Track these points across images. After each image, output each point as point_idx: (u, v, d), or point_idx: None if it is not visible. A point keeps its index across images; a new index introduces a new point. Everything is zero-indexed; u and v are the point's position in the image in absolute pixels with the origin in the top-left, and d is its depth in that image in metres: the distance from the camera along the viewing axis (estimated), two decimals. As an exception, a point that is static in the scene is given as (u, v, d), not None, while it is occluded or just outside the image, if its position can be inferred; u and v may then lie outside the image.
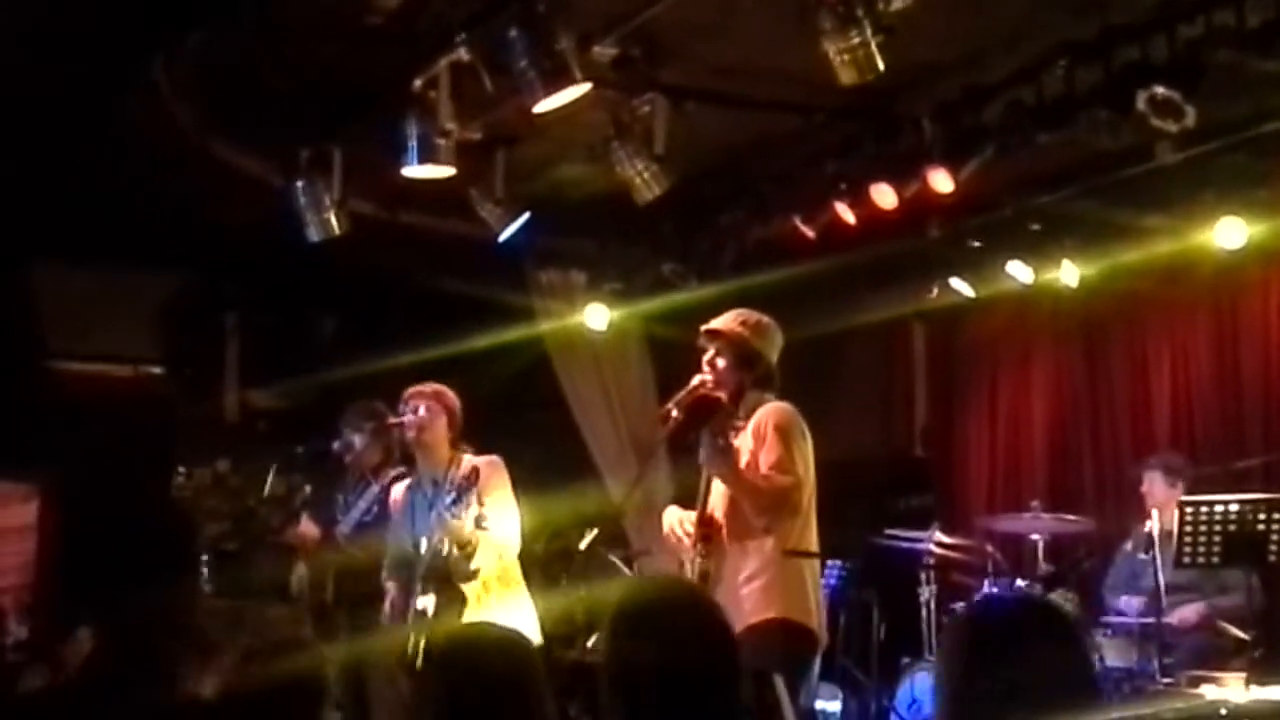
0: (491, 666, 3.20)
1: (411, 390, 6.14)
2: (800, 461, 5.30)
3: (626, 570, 6.49)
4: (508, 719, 3.10)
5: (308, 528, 6.51)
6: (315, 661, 3.23)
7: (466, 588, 5.79)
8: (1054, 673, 2.48)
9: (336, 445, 6.55)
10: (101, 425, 8.66)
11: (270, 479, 6.65)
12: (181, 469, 7.29)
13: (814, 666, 5.38)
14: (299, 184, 7.22)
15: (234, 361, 9.76)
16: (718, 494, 5.40)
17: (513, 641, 3.37)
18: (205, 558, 6.94)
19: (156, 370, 9.43)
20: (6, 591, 8.78)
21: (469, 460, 5.97)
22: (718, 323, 5.52)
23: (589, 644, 6.07)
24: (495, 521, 5.74)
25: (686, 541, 5.40)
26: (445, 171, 6.55)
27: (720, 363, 5.48)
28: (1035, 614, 2.68)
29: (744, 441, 5.34)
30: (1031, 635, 2.54)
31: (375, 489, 6.53)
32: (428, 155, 6.43)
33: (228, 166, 7.50)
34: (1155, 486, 7.32)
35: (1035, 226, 7.91)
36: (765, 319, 5.55)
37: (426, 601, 5.79)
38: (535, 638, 5.76)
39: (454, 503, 5.66)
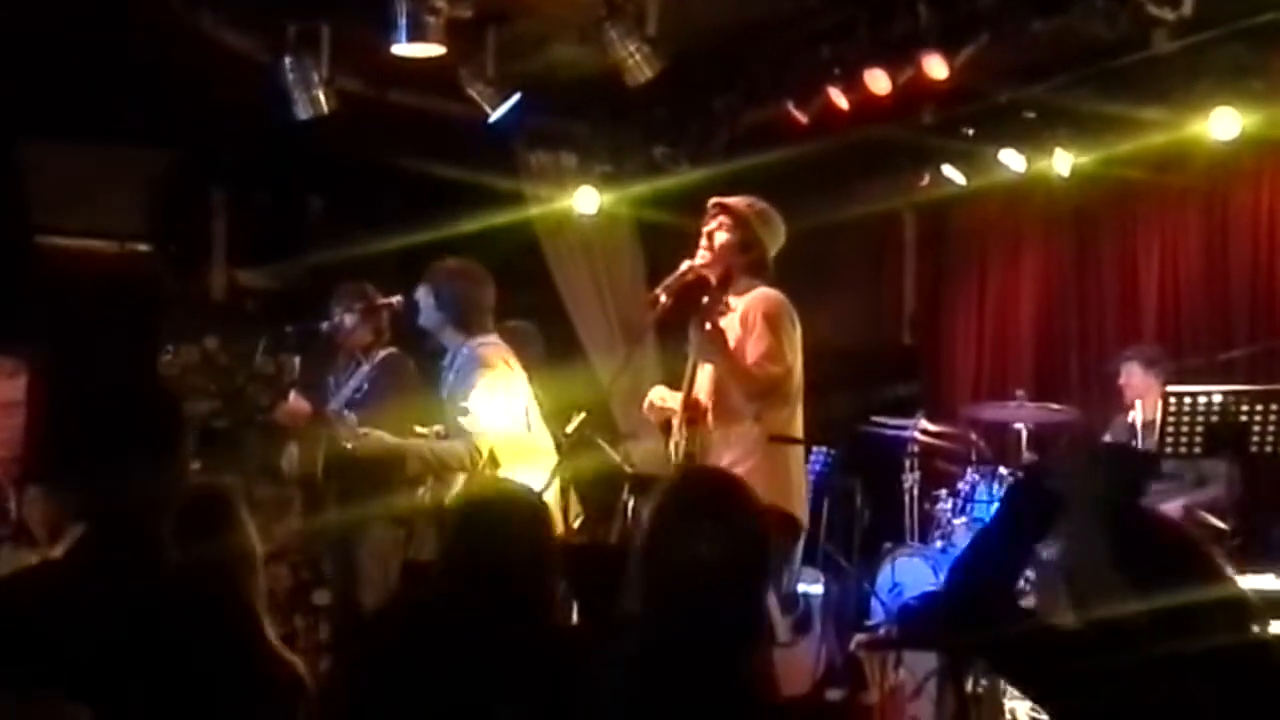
0: (504, 519, 3.26)
1: None
2: (790, 350, 5.32)
3: (613, 454, 6.52)
4: (520, 568, 3.16)
5: (298, 404, 6.51)
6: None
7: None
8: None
9: (326, 325, 6.55)
10: (88, 301, 8.64)
11: (258, 357, 6.65)
12: (169, 346, 7.28)
13: (797, 551, 5.44)
14: (286, 61, 7.14)
15: (221, 240, 9.71)
16: (704, 378, 5.43)
17: (525, 497, 3.43)
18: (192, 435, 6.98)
19: (143, 247, 9.39)
20: (-5, 465, 8.83)
21: (467, 348, 5.95)
22: (730, 200, 5.51)
23: (575, 525, 6.11)
24: (475, 412, 5.75)
25: (672, 404, 5.42)
26: (435, 50, 6.48)
27: (720, 237, 5.46)
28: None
29: (730, 325, 5.35)
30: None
31: (365, 368, 6.54)
32: (417, 33, 6.36)
33: (215, 42, 7.40)
34: (1134, 378, 7.37)
35: (1029, 115, 7.87)
36: (773, 211, 5.54)
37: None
38: None
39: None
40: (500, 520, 3.34)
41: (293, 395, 6.57)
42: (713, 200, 5.52)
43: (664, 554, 2.88)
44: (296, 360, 6.70)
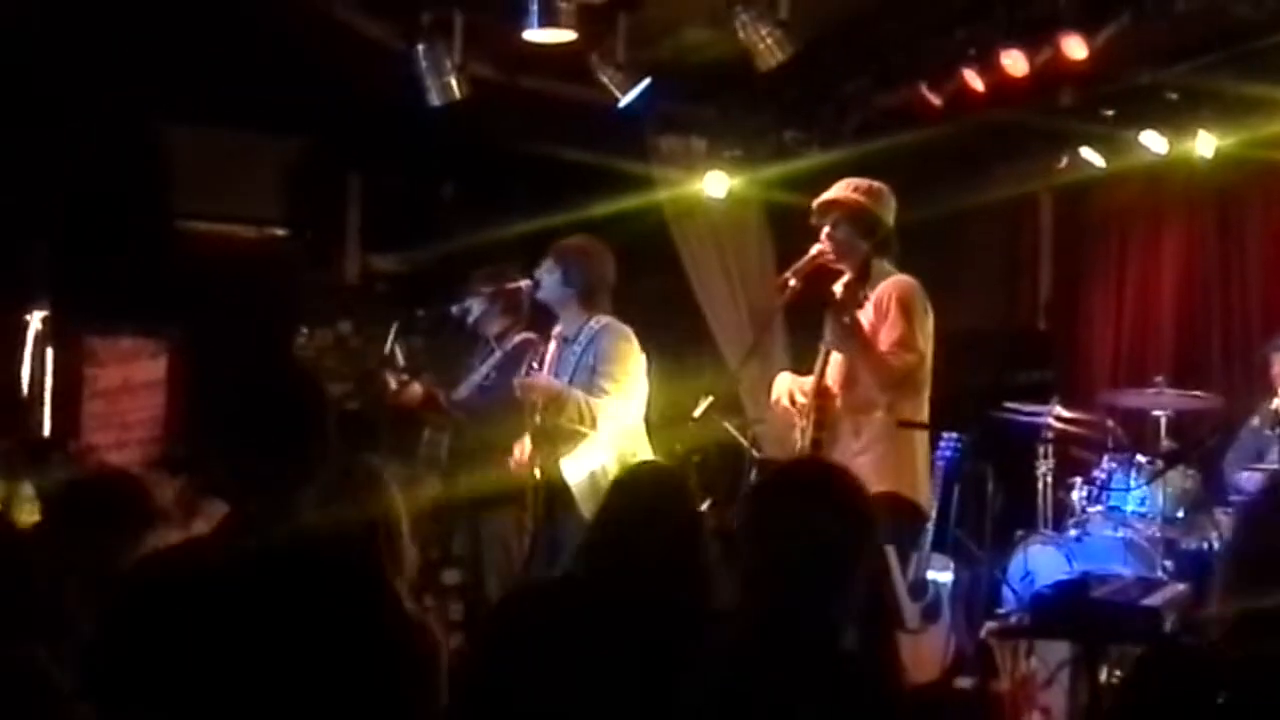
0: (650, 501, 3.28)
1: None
2: (922, 337, 5.29)
3: (741, 438, 6.50)
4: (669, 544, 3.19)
5: (410, 388, 6.57)
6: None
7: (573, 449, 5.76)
8: None
9: (455, 309, 6.60)
10: (227, 285, 8.83)
11: (390, 341, 6.72)
12: (303, 329, 7.40)
13: (924, 538, 5.40)
14: (420, 48, 7.22)
15: (355, 225, 9.87)
16: (834, 365, 5.39)
17: (673, 474, 3.45)
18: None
19: (280, 232, 9.57)
20: (136, 445, 9.06)
21: (596, 323, 5.86)
22: (831, 193, 5.45)
23: (703, 508, 6.09)
24: (609, 391, 5.69)
25: (800, 402, 5.40)
26: (566, 36, 6.50)
27: (839, 234, 5.41)
28: None
29: (865, 313, 5.31)
30: None
31: (498, 354, 6.56)
32: (549, 19, 6.38)
33: (350, 30, 7.51)
34: (1285, 366, 7.19)
35: (1171, 96, 7.69)
36: (877, 183, 5.48)
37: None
38: None
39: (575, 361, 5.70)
40: (650, 497, 3.37)
41: (416, 383, 6.63)
42: (815, 203, 5.47)
43: (760, 542, 2.87)
44: (398, 346, 6.72)
